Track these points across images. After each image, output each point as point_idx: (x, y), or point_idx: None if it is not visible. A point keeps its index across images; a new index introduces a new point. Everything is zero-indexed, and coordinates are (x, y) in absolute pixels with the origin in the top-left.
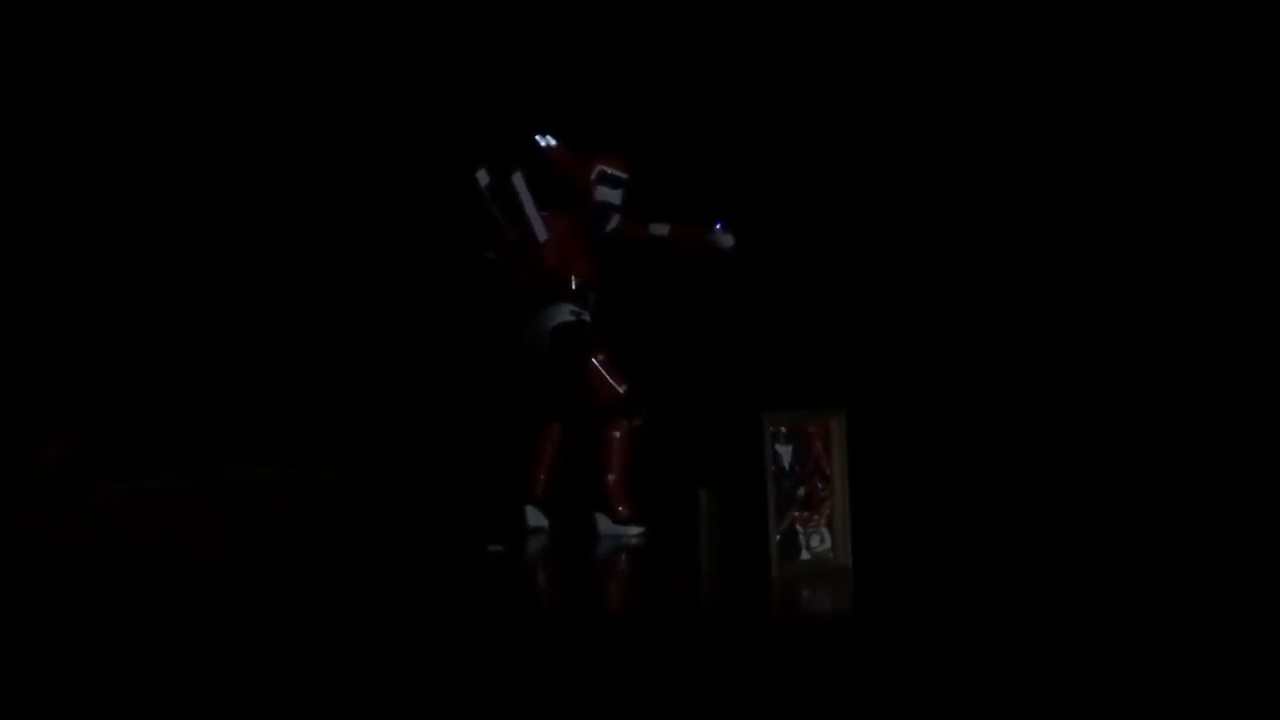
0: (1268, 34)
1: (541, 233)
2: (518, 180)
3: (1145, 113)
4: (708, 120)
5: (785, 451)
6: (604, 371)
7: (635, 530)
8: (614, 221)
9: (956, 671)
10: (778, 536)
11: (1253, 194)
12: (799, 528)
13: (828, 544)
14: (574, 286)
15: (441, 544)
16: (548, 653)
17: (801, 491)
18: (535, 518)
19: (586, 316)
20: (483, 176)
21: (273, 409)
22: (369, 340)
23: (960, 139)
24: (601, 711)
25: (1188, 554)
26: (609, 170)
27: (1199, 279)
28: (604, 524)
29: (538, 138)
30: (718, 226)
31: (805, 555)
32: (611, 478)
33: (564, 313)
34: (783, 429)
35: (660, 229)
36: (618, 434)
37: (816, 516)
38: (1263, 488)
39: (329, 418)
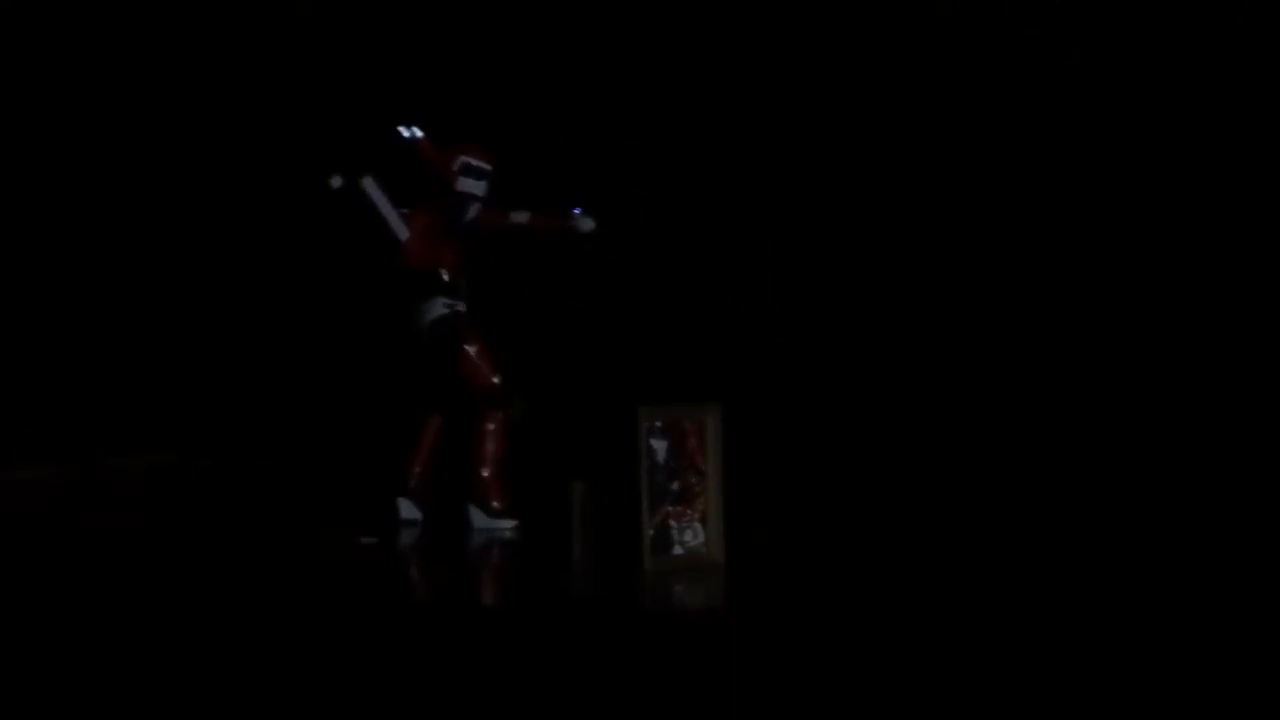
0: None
1: (402, 232)
2: (369, 184)
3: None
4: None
5: (660, 446)
6: (478, 362)
7: (509, 523)
8: (474, 211)
9: (826, 667)
10: (651, 531)
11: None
12: (672, 522)
13: (700, 539)
14: (445, 279)
15: (312, 535)
16: (417, 645)
17: (675, 486)
18: (409, 510)
19: (461, 307)
20: (335, 181)
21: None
22: (245, 344)
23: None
24: (471, 704)
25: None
26: (471, 161)
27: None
28: (478, 517)
29: (402, 129)
30: (576, 212)
31: (678, 549)
32: (485, 471)
33: (438, 306)
34: (658, 423)
35: (520, 216)
36: (492, 426)
37: (690, 511)
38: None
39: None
